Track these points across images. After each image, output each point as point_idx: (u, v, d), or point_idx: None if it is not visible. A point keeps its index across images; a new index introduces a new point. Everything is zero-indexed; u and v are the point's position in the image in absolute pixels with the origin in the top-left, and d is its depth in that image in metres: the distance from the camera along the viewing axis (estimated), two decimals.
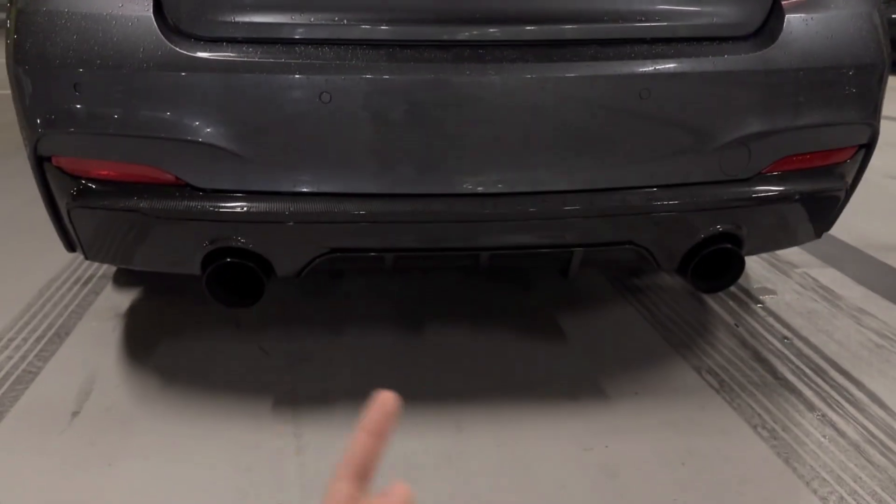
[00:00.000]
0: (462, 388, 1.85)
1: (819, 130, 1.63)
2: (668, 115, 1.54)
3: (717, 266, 1.71)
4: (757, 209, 1.67)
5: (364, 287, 2.45)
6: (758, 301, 2.38)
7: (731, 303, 2.36)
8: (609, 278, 2.53)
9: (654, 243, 1.65)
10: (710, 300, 2.38)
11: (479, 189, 1.52)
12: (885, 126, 1.87)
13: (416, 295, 2.39)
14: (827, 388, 1.88)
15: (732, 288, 2.45)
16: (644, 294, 2.41)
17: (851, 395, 1.85)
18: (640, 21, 1.55)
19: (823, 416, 1.76)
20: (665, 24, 1.56)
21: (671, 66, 1.52)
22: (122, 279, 2.47)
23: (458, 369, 1.93)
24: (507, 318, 2.22)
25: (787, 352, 2.06)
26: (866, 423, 1.74)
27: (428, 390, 1.84)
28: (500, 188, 1.54)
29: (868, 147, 1.74)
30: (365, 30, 1.49)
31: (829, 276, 2.58)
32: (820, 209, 1.77)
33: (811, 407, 1.80)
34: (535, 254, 1.67)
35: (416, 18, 1.50)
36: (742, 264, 1.67)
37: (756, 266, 2.67)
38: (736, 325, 2.21)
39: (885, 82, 1.67)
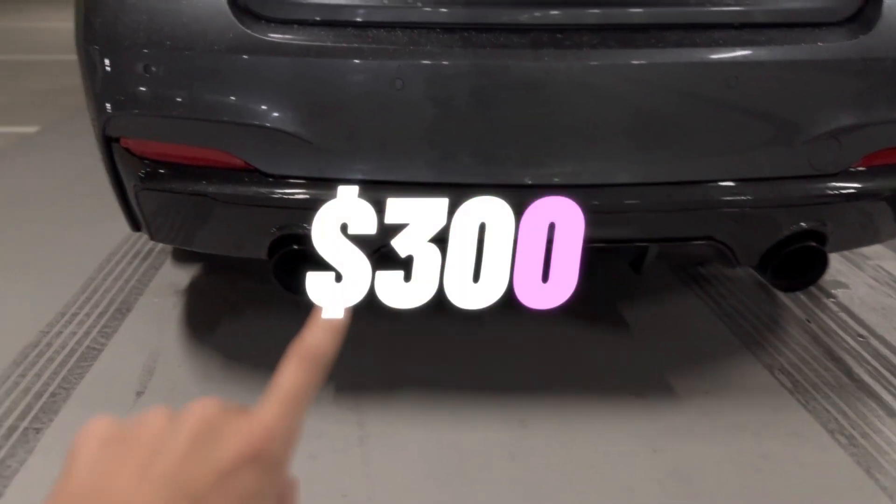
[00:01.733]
0: (525, 382, 1.81)
1: None
2: (756, 106, 1.47)
3: (799, 264, 1.63)
4: (844, 206, 1.59)
5: None
6: (829, 295, 2.29)
7: (801, 296, 2.27)
8: (672, 266, 2.45)
9: (734, 239, 1.57)
10: (778, 292, 2.29)
11: (556, 181, 1.47)
12: None
13: None
14: None
15: None
16: (709, 283, 2.33)
17: None
18: (728, 5, 1.47)
19: None
20: (754, 8, 1.47)
21: (760, 53, 1.44)
22: (181, 255, 2.47)
23: (520, 361, 1.89)
24: (569, 309, 2.17)
25: (862, 351, 1.97)
26: None
27: (491, 383, 1.80)
28: (575, 181, 1.48)
29: None
30: (439, 13, 1.43)
31: None
32: None
33: (891, 412, 1.72)
34: (610, 248, 1.62)
35: (492, 1, 1.44)
36: (826, 263, 1.59)
37: None
38: (808, 320, 2.13)
39: None
